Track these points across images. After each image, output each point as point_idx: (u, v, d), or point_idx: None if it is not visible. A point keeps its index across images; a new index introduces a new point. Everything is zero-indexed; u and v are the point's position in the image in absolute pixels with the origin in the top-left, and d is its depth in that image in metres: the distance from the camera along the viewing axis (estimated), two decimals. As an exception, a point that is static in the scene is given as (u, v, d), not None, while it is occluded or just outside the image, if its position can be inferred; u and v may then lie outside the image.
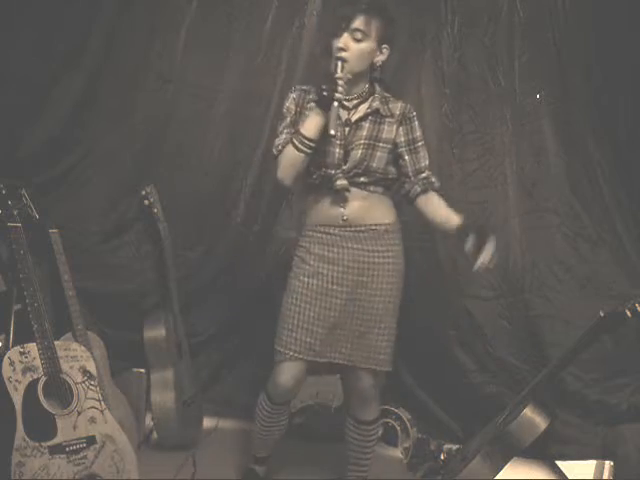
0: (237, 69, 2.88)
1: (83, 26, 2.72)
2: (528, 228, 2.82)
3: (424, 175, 2.26)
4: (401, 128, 2.23)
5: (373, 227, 2.22)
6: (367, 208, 2.22)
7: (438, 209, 2.25)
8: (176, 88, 2.87)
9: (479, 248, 2.07)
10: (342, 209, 2.20)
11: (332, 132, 2.05)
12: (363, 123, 2.20)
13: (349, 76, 2.11)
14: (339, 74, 2.08)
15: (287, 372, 2.25)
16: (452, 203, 2.81)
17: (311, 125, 2.13)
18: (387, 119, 2.21)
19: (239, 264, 2.99)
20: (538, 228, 2.82)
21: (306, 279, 2.23)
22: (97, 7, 2.72)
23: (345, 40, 2.12)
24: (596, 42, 2.67)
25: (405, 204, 2.32)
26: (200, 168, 2.94)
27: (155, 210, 2.78)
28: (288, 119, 2.25)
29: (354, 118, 2.21)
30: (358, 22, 2.12)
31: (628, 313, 2.02)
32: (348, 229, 2.22)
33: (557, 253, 2.80)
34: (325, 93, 2.07)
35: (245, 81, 2.89)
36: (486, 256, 2.07)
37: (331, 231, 2.23)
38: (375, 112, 2.21)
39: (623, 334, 2.53)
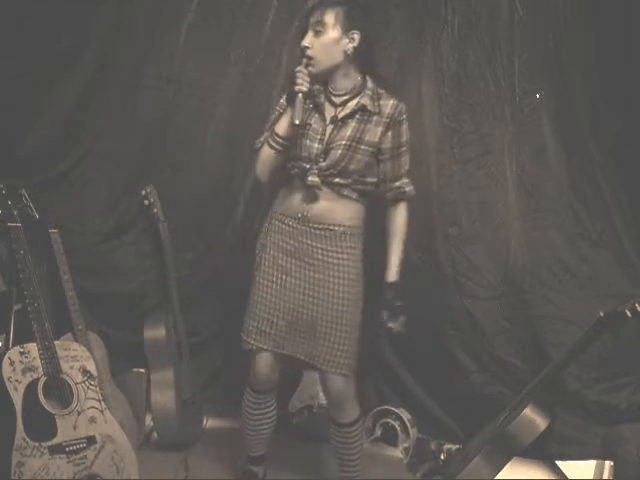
0: (237, 69, 2.88)
1: (83, 26, 2.72)
2: (528, 228, 2.82)
3: (397, 184, 2.26)
4: (389, 133, 2.21)
5: (330, 227, 2.22)
6: (331, 209, 2.21)
7: (394, 242, 2.27)
8: (176, 88, 2.87)
9: (392, 318, 2.19)
10: (305, 204, 2.21)
11: (296, 121, 2.07)
12: (349, 121, 2.19)
13: (311, 69, 2.12)
14: (300, 67, 2.10)
15: (259, 360, 2.30)
16: (452, 203, 2.85)
17: (283, 123, 2.17)
18: (375, 117, 2.19)
19: (239, 264, 2.98)
20: (538, 228, 2.81)
21: (266, 269, 2.27)
22: (97, 7, 2.72)
23: (308, 38, 2.14)
24: (596, 42, 2.67)
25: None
26: (200, 168, 2.94)
27: (155, 210, 2.79)
28: (275, 115, 2.27)
29: (341, 115, 2.19)
30: (315, 16, 2.13)
31: (628, 313, 2.02)
32: (306, 224, 2.22)
33: (557, 253, 2.80)
34: (287, 89, 2.13)
35: (245, 81, 2.89)
36: (396, 325, 2.19)
37: (290, 222, 2.24)
38: (362, 109, 2.18)
39: (623, 334, 2.53)
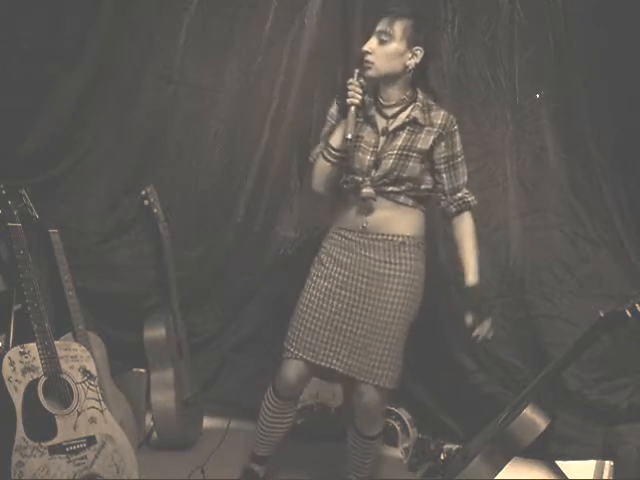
0: (237, 69, 2.88)
1: (83, 26, 2.72)
2: (528, 228, 2.82)
3: (459, 195, 2.26)
4: (442, 143, 2.20)
5: (390, 237, 2.21)
6: (390, 218, 2.21)
7: (464, 250, 2.27)
8: (176, 88, 2.86)
9: (478, 322, 2.23)
10: (364, 216, 2.21)
11: (348, 136, 2.08)
12: (400, 132, 2.18)
13: (362, 80, 2.12)
14: (352, 80, 2.11)
15: (291, 369, 2.27)
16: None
17: (337, 135, 2.17)
18: (426, 128, 2.18)
19: (239, 264, 2.99)
20: (538, 228, 2.82)
21: (318, 280, 2.25)
22: (97, 7, 2.72)
23: (370, 43, 2.13)
24: (596, 42, 2.67)
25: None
26: (200, 168, 2.94)
27: (155, 210, 2.78)
28: (327, 127, 2.27)
29: (392, 127, 2.19)
30: (382, 24, 2.13)
31: (628, 313, 2.02)
32: (365, 236, 2.21)
33: (557, 253, 2.80)
34: (339, 102, 2.14)
35: (245, 81, 2.89)
36: (482, 330, 2.23)
37: (349, 236, 2.24)
38: (414, 121, 2.18)
39: (623, 334, 2.53)
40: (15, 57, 2.63)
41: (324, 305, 2.23)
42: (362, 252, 2.22)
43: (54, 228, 2.55)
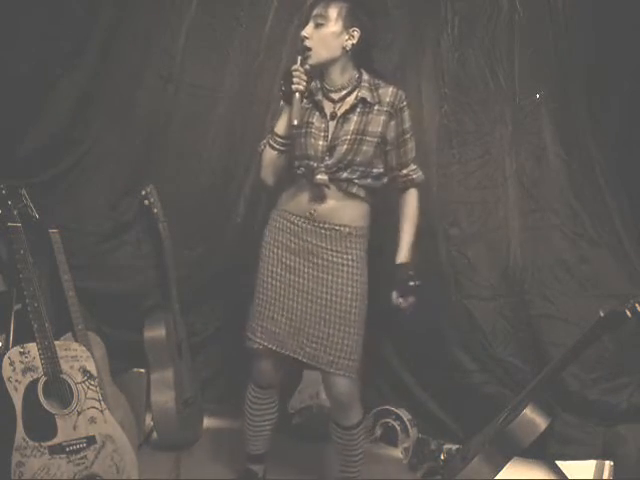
0: (237, 69, 2.88)
1: (83, 26, 2.72)
2: (528, 228, 2.82)
3: (405, 172, 2.27)
4: (392, 122, 2.21)
5: (336, 227, 2.21)
6: (338, 208, 2.21)
7: (405, 225, 2.29)
8: (176, 88, 2.87)
9: (402, 295, 2.22)
10: (313, 203, 2.21)
11: (294, 122, 2.08)
12: (351, 116, 2.19)
13: (307, 67, 2.13)
14: (295, 66, 2.11)
15: (264, 358, 2.31)
16: (452, 203, 2.85)
17: (281, 123, 2.18)
18: (375, 107, 2.18)
19: (239, 264, 2.99)
20: (538, 228, 2.81)
21: (270, 267, 2.26)
22: (97, 7, 2.72)
23: (308, 29, 2.16)
24: (596, 42, 2.67)
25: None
26: (200, 168, 2.94)
27: (155, 210, 2.79)
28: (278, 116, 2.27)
29: (341, 111, 2.19)
30: (317, 9, 2.15)
31: (628, 313, 2.02)
32: (312, 223, 2.22)
33: (557, 253, 2.80)
34: (284, 88, 2.12)
35: (245, 81, 2.89)
36: (403, 303, 2.21)
37: (295, 220, 2.24)
38: (363, 102, 2.18)
39: (623, 334, 2.53)
40: (15, 57, 2.63)
41: (280, 292, 2.24)
42: (307, 238, 2.23)
43: (54, 228, 2.55)
